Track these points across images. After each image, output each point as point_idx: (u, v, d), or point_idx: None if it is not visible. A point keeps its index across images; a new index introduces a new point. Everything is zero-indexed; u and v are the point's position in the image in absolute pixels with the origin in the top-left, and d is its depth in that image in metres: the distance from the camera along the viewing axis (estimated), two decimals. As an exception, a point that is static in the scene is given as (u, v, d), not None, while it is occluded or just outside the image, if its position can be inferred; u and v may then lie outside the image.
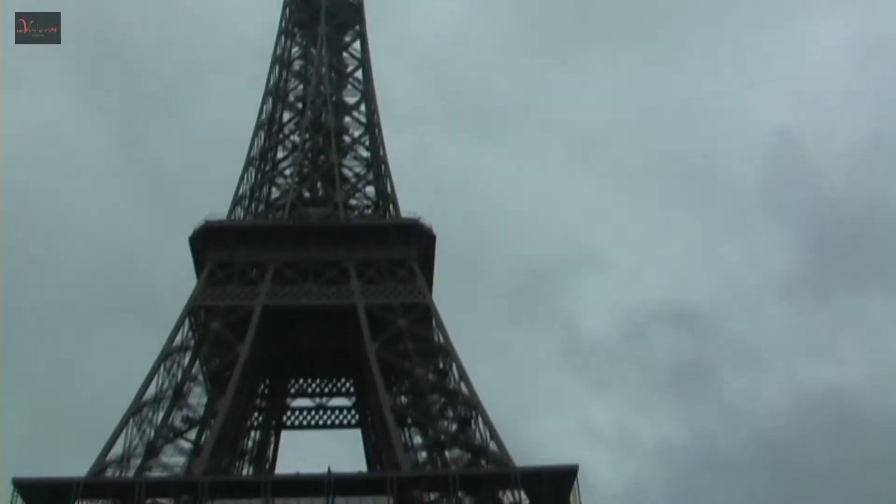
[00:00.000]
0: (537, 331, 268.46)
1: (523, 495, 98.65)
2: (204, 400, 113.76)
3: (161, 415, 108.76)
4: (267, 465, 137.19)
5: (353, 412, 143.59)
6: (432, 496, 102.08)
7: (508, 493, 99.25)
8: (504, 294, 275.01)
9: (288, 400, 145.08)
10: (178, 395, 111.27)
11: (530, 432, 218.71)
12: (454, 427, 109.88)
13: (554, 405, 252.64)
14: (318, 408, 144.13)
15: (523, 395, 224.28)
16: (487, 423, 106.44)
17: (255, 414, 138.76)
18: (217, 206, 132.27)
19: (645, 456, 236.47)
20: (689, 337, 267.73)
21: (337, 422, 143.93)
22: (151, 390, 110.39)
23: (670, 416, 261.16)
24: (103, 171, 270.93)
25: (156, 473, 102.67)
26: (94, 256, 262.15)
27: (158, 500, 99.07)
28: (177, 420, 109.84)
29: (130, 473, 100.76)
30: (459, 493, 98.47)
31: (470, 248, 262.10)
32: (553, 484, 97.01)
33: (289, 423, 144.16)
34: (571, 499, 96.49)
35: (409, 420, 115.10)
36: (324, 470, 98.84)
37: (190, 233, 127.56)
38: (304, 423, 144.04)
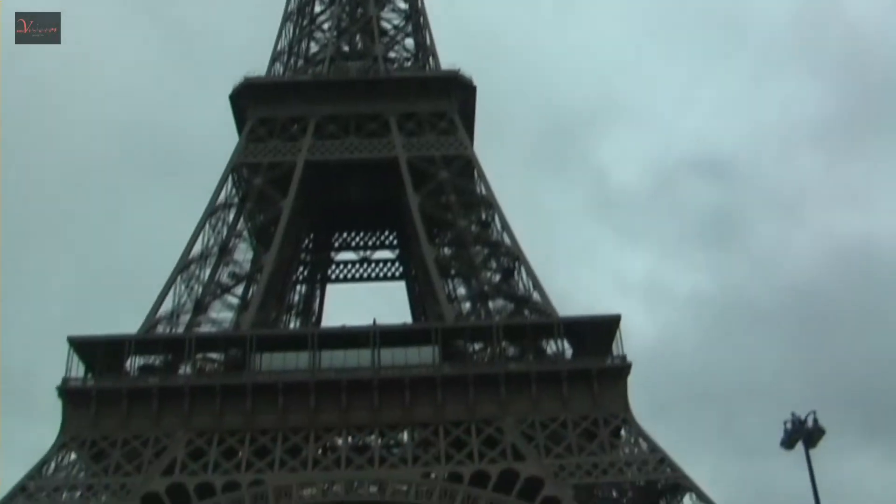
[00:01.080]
0: (568, 181, 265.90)
1: (566, 344, 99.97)
2: (249, 256, 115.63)
3: (208, 271, 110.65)
4: (313, 319, 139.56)
5: (396, 264, 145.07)
6: (476, 346, 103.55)
7: (551, 343, 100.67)
8: (534, 145, 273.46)
9: (332, 254, 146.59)
10: (224, 252, 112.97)
11: (562, 283, 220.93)
12: (497, 278, 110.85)
13: (585, 256, 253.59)
14: (362, 261, 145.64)
15: (554, 246, 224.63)
16: (530, 273, 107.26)
17: (300, 268, 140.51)
18: (245, 61, 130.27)
19: (676, 306, 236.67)
20: (721, 187, 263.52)
21: (381, 274, 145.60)
22: (197, 248, 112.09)
23: (702, 266, 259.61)
24: (125, 31, 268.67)
25: (205, 329, 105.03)
26: (123, 115, 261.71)
27: (208, 354, 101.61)
28: (223, 276, 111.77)
29: (180, 329, 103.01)
30: (503, 343, 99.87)
31: (500, 99, 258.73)
32: (595, 333, 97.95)
33: (333, 276, 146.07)
34: (613, 348, 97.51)
35: (453, 271, 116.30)
36: (369, 322, 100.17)
37: (223, 90, 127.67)
38: (349, 276, 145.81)
